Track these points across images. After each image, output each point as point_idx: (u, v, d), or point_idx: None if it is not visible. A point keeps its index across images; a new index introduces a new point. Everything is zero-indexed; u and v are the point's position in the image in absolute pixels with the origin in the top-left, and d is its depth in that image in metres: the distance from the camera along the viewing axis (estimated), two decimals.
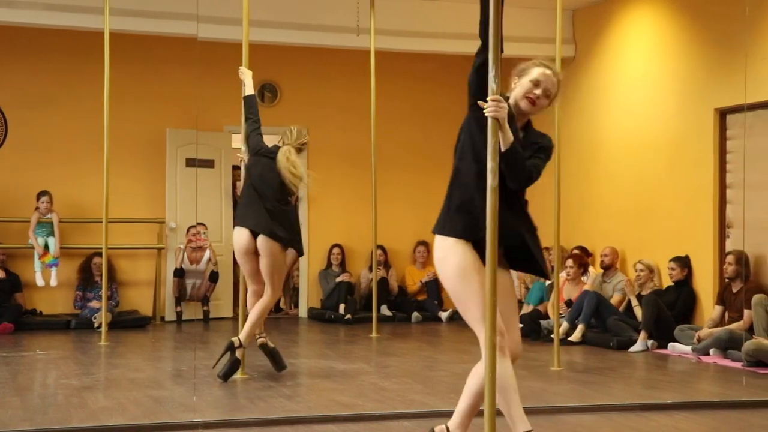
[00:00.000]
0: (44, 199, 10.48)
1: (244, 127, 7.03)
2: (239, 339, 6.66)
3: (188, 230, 11.05)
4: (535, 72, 4.02)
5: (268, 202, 6.73)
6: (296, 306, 12.22)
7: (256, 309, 6.76)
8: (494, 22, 3.49)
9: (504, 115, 3.60)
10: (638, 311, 9.12)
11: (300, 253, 7.11)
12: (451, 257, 3.94)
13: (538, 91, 4.00)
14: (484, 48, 3.72)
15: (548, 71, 4.03)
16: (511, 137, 3.78)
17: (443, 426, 4.13)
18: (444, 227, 4.01)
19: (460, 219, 3.96)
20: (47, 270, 10.47)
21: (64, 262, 10.63)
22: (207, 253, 11.02)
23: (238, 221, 6.88)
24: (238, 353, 6.64)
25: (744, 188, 8.65)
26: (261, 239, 6.68)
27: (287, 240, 6.77)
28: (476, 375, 4.00)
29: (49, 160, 11.01)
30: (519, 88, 4.04)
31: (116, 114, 9.70)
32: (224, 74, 10.78)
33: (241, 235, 6.76)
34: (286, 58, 11.76)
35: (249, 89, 7.03)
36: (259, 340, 6.97)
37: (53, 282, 10.46)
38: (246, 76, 7.04)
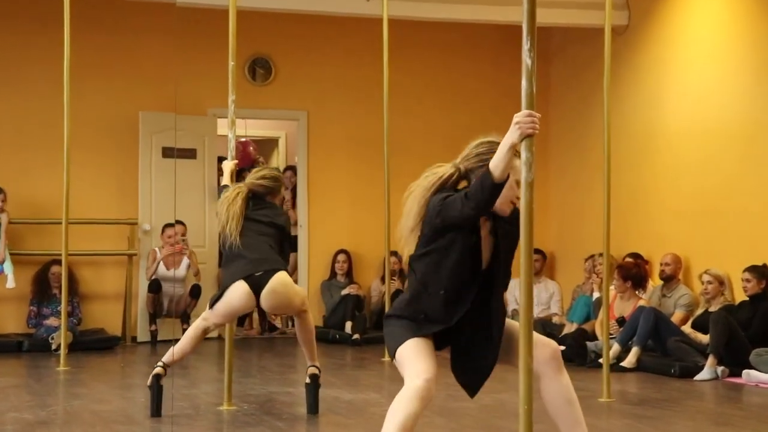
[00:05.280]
0: None
1: None
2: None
3: (163, 230, 11.04)
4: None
5: None
6: (293, 324, 12.19)
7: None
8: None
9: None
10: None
11: None
12: None
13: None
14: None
15: None
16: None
17: None
18: None
19: None
20: None
21: (15, 272, 10.62)
22: (186, 259, 11.02)
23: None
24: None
25: None
26: None
27: None
28: (396, 407, 4.07)
29: None
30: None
31: (78, 94, 9.71)
32: (208, 47, 10.83)
33: None
34: (281, 28, 11.78)
35: (226, 180, 7.12)
36: (311, 370, 7.01)
37: (10, 284, 10.47)
38: (226, 168, 7.13)
